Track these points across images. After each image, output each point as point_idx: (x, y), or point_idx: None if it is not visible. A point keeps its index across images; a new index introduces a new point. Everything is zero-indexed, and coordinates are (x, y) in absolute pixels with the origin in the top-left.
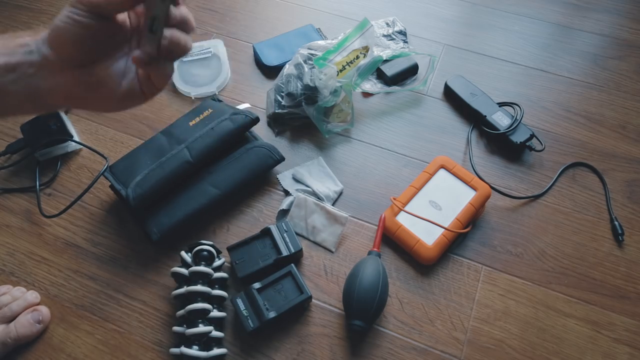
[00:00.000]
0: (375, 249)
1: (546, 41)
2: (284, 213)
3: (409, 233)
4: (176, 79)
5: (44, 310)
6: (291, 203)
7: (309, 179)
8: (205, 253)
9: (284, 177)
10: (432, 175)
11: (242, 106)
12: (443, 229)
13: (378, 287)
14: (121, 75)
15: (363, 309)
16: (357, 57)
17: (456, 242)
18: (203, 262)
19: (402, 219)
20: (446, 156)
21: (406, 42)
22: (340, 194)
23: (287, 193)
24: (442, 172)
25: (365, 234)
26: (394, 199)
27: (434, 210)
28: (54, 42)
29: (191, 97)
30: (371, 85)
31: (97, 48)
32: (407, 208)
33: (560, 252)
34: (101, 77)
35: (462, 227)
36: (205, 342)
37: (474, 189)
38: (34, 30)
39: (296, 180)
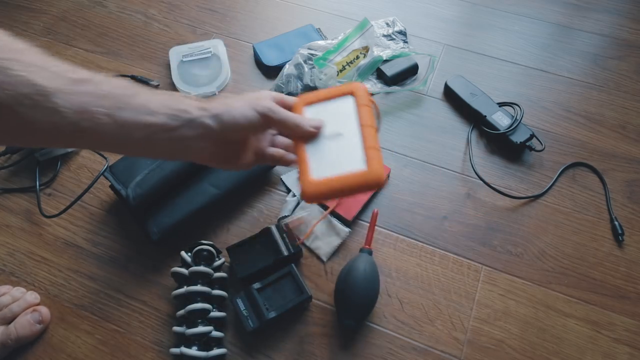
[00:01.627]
0: (366, 247)
1: (546, 41)
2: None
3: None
4: (176, 79)
5: (44, 310)
6: (293, 209)
7: None
8: (205, 253)
9: (288, 177)
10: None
11: None
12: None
13: (362, 285)
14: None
15: (349, 307)
16: (357, 57)
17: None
18: (203, 262)
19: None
20: (302, 94)
21: (406, 42)
22: None
23: (289, 192)
24: (309, 109)
25: (366, 234)
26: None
27: (338, 140)
28: (227, 127)
29: None
30: (371, 85)
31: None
32: (312, 166)
33: (560, 252)
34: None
35: (374, 129)
36: (205, 342)
37: (347, 93)
38: (199, 99)
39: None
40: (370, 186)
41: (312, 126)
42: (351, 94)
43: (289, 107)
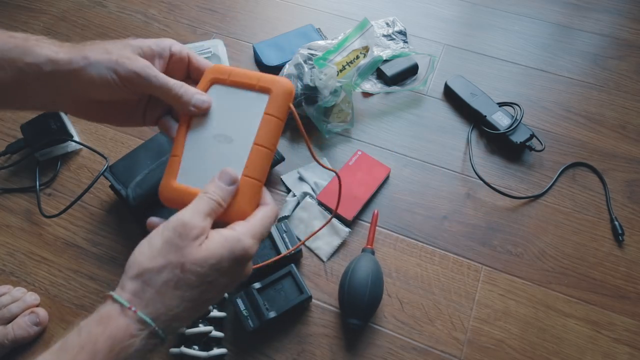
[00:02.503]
0: (368, 246)
1: (546, 41)
2: (284, 219)
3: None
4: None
5: (42, 312)
6: (293, 209)
7: (313, 180)
8: None
9: (288, 177)
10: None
11: None
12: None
13: (368, 284)
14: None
15: (355, 306)
16: (357, 57)
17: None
18: None
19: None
20: (220, 65)
21: (406, 42)
22: None
23: (289, 191)
24: (216, 88)
25: (366, 234)
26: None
27: (224, 145)
28: (85, 86)
29: None
30: (371, 85)
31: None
32: (183, 166)
33: (560, 252)
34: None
35: (269, 152)
36: (205, 342)
37: (265, 91)
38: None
39: (301, 180)
40: (225, 222)
41: (196, 105)
42: (268, 92)
43: (198, 70)
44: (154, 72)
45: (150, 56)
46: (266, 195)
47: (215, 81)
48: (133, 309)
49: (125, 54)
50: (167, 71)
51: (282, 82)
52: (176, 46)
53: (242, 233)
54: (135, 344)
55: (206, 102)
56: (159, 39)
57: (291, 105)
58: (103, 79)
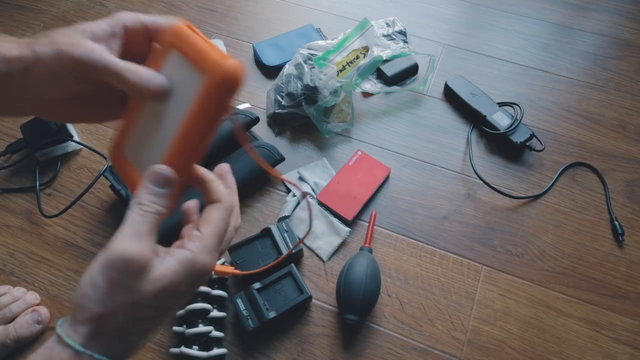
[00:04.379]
0: (366, 245)
1: (546, 41)
2: (285, 219)
3: (131, 172)
4: None
5: (43, 311)
6: (293, 209)
7: (313, 180)
8: None
9: (288, 177)
10: (160, 68)
11: (242, 106)
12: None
13: (364, 279)
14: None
15: (350, 302)
16: (357, 57)
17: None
18: None
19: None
20: (180, 27)
21: (406, 42)
22: None
23: (289, 191)
24: (173, 56)
25: (365, 234)
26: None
27: (158, 129)
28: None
29: None
30: (371, 85)
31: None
32: (135, 132)
33: (560, 252)
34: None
35: (194, 143)
36: (205, 342)
37: (204, 72)
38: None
39: (301, 180)
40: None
41: (149, 89)
42: (205, 75)
43: (154, 32)
44: (99, 56)
45: (103, 38)
46: (215, 188)
47: (172, 46)
48: (89, 352)
49: (71, 40)
50: (128, 49)
51: (223, 66)
52: (130, 19)
53: (197, 252)
54: None
55: (159, 87)
56: (111, 16)
57: (231, 101)
58: (51, 74)
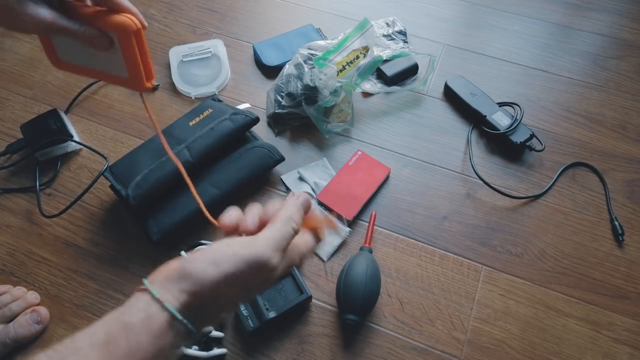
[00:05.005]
0: (366, 245)
1: (546, 41)
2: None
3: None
4: (176, 79)
5: (43, 311)
6: None
7: (313, 180)
8: None
9: (288, 177)
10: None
11: (242, 106)
12: None
13: (364, 279)
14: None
15: (350, 302)
16: (357, 57)
17: None
18: None
19: None
20: (135, 22)
21: (406, 42)
22: None
23: (289, 191)
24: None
25: (365, 234)
26: None
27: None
28: None
29: (191, 97)
30: (371, 85)
31: None
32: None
33: (560, 252)
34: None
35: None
36: (205, 342)
37: (128, 74)
38: None
39: (301, 180)
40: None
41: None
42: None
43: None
44: (61, 22)
45: None
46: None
47: (115, 31)
48: (185, 321)
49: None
50: None
51: (139, 86)
52: None
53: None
54: (175, 351)
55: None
56: None
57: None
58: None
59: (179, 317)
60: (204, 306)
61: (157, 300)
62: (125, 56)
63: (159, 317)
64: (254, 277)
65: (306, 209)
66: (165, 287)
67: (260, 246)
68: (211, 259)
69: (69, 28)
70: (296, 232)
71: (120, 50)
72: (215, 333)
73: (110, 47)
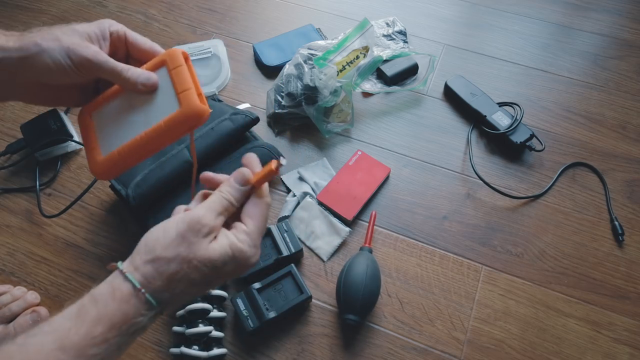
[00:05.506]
0: (366, 245)
1: (546, 41)
2: (285, 219)
3: (91, 136)
4: None
5: (43, 311)
6: (293, 209)
7: (313, 180)
8: None
9: (288, 177)
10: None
11: (242, 106)
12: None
13: (364, 280)
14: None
15: (350, 302)
16: (357, 57)
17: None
18: None
19: (100, 118)
20: (176, 51)
21: (406, 42)
22: None
23: (289, 191)
24: (163, 71)
25: (365, 234)
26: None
27: (135, 117)
28: (36, 72)
29: None
30: (371, 85)
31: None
32: (107, 108)
33: (560, 252)
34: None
35: (146, 151)
36: (205, 342)
37: (181, 103)
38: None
39: (301, 180)
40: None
41: (142, 83)
42: (181, 106)
43: (134, 46)
44: (104, 57)
45: (95, 40)
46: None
47: (164, 64)
48: (143, 291)
49: (75, 40)
50: (110, 51)
51: (197, 108)
52: (114, 26)
53: (245, 245)
54: (142, 322)
55: (151, 80)
56: (99, 21)
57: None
58: (57, 65)
59: (137, 285)
60: (165, 276)
61: (121, 272)
62: (178, 81)
63: (122, 287)
64: (196, 235)
65: (241, 181)
66: (132, 259)
67: (195, 209)
68: (162, 227)
69: (116, 68)
70: (230, 200)
71: (172, 77)
72: (215, 333)
73: (154, 89)
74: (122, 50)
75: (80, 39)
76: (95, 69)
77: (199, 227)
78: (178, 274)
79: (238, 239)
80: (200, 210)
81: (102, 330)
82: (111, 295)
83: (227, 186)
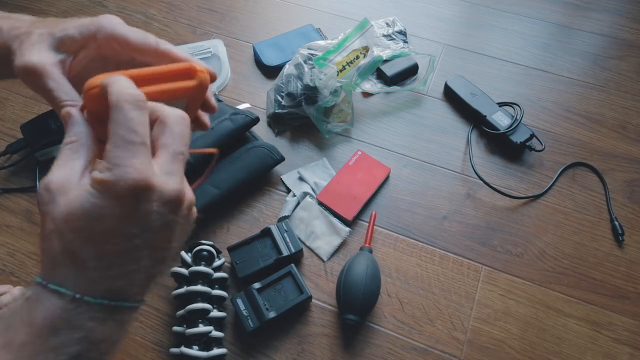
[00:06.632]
0: (366, 245)
1: (546, 41)
2: (285, 219)
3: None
4: None
5: None
6: (293, 209)
7: (313, 180)
8: (205, 253)
9: (288, 177)
10: None
11: (242, 106)
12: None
13: (364, 280)
14: None
15: (350, 302)
16: (357, 57)
17: None
18: (203, 262)
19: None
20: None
21: (406, 42)
22: None
23: (289, 191)
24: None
25: (365, 234)
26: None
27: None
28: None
29: None
30: (371, 85)
31: None
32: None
33: (560, 252)
34: None
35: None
36: (205, 342)
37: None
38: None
39: (301, 180)
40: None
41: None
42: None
43: (136, 47)
44: (46, 72)
45: (71, 47)
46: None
47: (186, 93)
48: (44, 282)
49: (33, 50)
50: (102, 54)
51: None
52: (103, 31)
53: (109, 172)
54: (72, 318)
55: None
56: (96, 19)
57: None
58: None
59: (38, 279)
60: (49, 257)
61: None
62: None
63: (28, 291)
64: (48, 200)
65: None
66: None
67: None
68: None
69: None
70: (71, 140)
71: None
72: (215, 333)
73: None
74: (119, 52)
75: (46, 49)
76: (34, 79)
77: (46, 189)
78: (55, 249)
79: (98, 169)
80: (49, 173)
81: (22, 341)
82: (25, 303)
83: (69, 128)
